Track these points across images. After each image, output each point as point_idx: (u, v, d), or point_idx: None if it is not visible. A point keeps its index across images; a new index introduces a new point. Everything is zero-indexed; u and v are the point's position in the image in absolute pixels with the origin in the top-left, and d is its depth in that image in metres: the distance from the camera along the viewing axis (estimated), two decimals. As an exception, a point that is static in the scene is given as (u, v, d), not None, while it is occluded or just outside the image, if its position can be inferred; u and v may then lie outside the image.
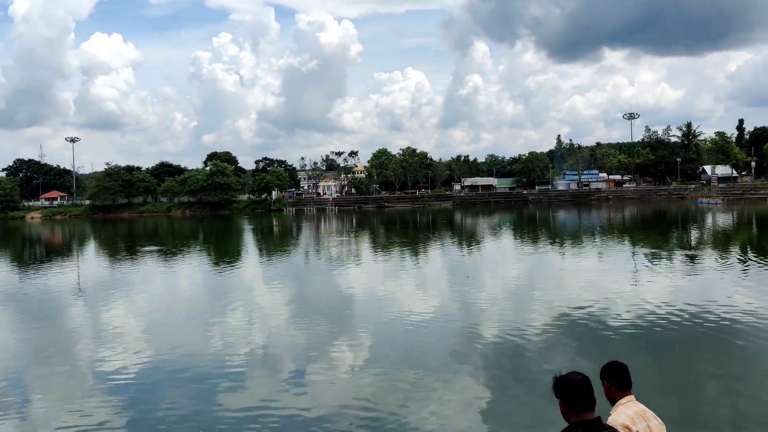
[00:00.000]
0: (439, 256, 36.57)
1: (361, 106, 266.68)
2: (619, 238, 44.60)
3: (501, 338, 15.11)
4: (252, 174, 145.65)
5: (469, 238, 49.01)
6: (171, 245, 52.06)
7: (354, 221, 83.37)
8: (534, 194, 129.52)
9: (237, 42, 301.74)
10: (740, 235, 44.32)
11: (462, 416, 10.33)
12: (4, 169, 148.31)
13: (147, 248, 47.47)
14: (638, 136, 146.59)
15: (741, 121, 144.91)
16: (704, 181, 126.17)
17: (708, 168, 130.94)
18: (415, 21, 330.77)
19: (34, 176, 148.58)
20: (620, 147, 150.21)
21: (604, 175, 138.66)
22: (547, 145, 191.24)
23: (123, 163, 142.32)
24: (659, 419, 4.29)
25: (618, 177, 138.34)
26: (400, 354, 14.13)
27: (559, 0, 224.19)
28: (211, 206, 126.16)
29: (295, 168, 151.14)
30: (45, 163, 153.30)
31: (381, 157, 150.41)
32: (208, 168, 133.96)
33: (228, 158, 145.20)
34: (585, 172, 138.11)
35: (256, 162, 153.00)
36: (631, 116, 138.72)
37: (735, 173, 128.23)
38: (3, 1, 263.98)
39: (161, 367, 13.82)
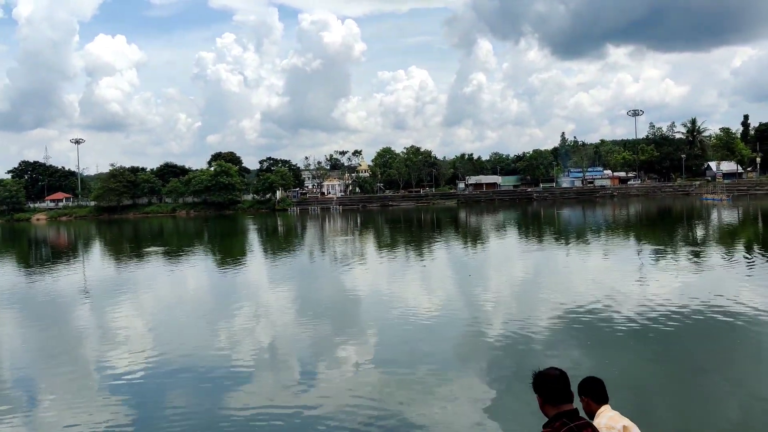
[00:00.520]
0: (444, 254, 36.56)
1: (365, 105, 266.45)
2: (624, 235, 44.51)
3: (506, 336, 15.12)
4: (256, 174, 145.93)
5: (473, 237, 48.99)
6: (176, 246, 52.19)
7: (358, 220, 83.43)
8: (538, 192, 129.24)
9: (241, 42, 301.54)
10: (746, 231, 44.19)
11: (468, 415, 10.34)
12: (9, 172, 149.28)
13: (152, 249, 47.62)
14: (643, 133, 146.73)
15: (746, 117, 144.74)
16: (709, 178, 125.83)
17: (713, 164, 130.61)
18: (418, 19, 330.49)
19: (39, 178, 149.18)
20: (625, 144, 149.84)
21: (608, 172, 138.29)
22: (551, 143, 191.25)
23: (128, 164, 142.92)
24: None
25: (622, 174, 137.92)
26: (406, 352, 14.14)
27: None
28: (215, 206, 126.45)
29: (299, 168, 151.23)
30: (50, 165, 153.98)
31: (385, 156, 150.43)
32: (212, 168, 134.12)
33: (232, 158, 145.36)
34: (589, 169, 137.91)
35: (260, 162, 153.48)
36: (636, 113, 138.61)
37: (740, 169, 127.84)
38: (7, 3, 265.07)
39: (168, 366, 13.87)
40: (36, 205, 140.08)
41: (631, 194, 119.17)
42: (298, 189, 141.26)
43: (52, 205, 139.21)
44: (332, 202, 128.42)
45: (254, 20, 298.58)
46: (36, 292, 27.68)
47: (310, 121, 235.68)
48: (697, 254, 29.93)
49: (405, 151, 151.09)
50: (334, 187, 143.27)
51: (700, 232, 44.70)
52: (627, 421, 4.54)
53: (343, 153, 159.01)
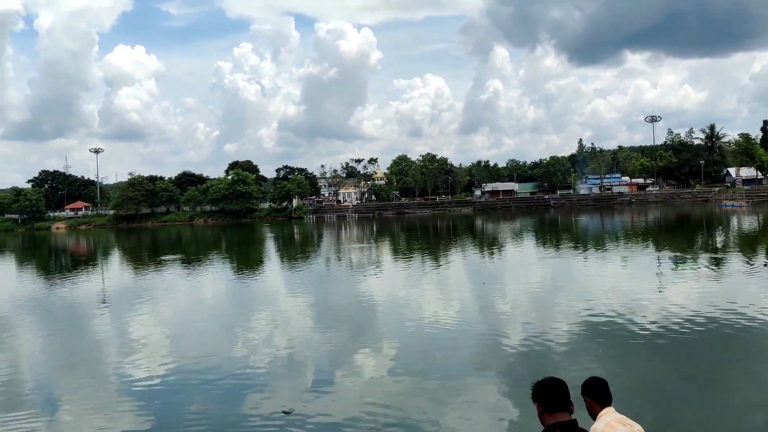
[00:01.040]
0: (460, 262, 36.47)
1: (381, 113, 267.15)
2: (643, 242, 44.12)
3: (524, 344, 15.05)
4: (273, 182, 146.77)
5: (490, 244, 48.83)
6: (194, 254, 52.57)
7: (374, 228, 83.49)
8: (556, 199, 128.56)
9: (258, 52, 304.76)
10: (766, 238, 43.60)
11: (484, 424, 10.31)
12: (29, 181, 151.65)
13: (171, 257, 48.00)
14: (661, 139, 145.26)
15: (765, 123, 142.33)
16: (728, 184, 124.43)
17: (732, 170, 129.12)
18: (433, 27, 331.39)
19: (59, 187, 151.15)
20: (643, 150, 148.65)
21: (626, 178, 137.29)
22: (568, 150, 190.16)
23: (146, 173, 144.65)
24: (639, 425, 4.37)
25: (641, 180, 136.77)
26: (423, 360, 14.13)
27: (580, 3, 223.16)
28: (232, 215, 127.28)
29: (315, 176, 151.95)
30: (69, 174, 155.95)
31: (401, 164, 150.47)
32: (229, 177, 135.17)
33: (249, 167, 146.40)
34: (607, 176, 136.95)
35: (277, 170, 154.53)
36: (654, 119, 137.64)
37: (760, 175, 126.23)
38: (28, 15, 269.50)
39: (186, 373, 13.98)
40: (56, 214, 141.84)
41: (650, 201, 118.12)
42: (314, 197, 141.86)
43: (71, 214, 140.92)
44: (348, 210, 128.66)
45: (271, 30, 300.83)
46: (56, 299, 28.06)
47: (326, 129, 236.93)
48: (716, 262, 29.60)
49: (421, 158, 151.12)
50: (350, 195, 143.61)
51: (719, 240, 44.19)
52: (634, 425, 4.30)
53: (359, 161, 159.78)
